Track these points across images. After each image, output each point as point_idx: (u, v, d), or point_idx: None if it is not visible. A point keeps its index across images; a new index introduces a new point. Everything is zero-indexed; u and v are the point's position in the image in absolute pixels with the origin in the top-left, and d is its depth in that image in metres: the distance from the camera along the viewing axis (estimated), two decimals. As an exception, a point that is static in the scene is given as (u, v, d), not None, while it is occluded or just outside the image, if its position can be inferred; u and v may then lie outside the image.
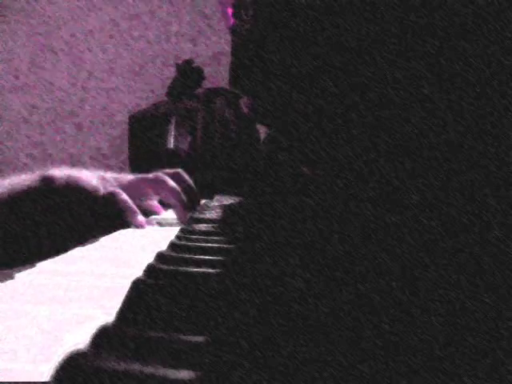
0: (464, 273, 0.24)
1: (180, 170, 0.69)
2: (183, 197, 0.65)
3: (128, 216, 0.60)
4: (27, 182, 0.59)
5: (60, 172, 0.61)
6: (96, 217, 0.61)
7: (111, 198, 0.61)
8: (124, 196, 0.61)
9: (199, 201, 0.72)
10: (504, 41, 0.22)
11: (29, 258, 0.61)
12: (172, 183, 0.65)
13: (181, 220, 0.64)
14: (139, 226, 0.60)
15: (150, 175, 0.66)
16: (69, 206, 0.60)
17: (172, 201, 0.65)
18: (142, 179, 0.66)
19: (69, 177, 0.61)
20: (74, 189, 0.60)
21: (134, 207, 0.61)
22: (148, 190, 0.65)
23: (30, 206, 0.58)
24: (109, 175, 0.65)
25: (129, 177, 0.67)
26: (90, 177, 0.63)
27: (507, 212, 0.23)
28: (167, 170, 0.68)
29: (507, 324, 0.20)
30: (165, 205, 0.70)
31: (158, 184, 0.65)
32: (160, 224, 0.63)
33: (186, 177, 0.69)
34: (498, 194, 0.23)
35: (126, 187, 0.64)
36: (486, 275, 0.23)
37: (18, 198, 0.58)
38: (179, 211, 0.65)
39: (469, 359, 0.18)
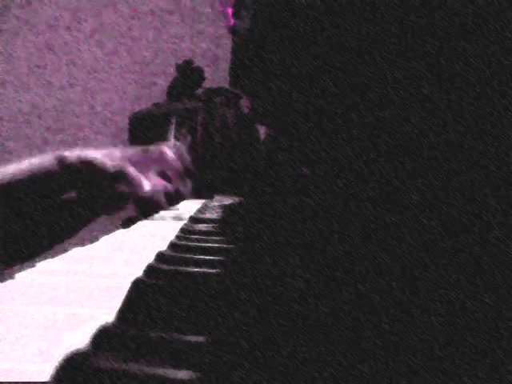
0: (464, 273, 0.24)
1: (179, 146, 0.74)
2: (183, 171, 0.70)
3: (136, 189, 0.64)
4: (40, 163, 0.61)
5: (71, 152, 0.64)
6: (105, 194, 0.64)
7: (120, 173, 0.64)
8: (132, 171, 0.65)
9: (195, 173, 0.77)
10: (504, 41, 0.22)
11: (39, 243, 0.63)
12: (173, 156, 0.70)
13: (187, 194, 0.71)
14: (146, 191, 0.64)
15: (155, 152, 0.70)
16: (82, 184, 0.63)
17: (174, 172, 0.70)
18: (148, 158, 0.70)
19: (79, 155, 0.64)
20: (85, 167, 0.64)
21: (143, 179, 0.65)
22: (151, 162, 0.70)
23: (48, 185, 0.61)
24: (116, 152, 0.69)
25: (132, 150, 0.70)
26: (100, 155, 0.66)
27: (507, 212, 0.23)
28: (168, 145, 0.73)
29: (507, 324, 0.20)
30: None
31: (162, 157, 0.70)
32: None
33: (185, 154, 0.74)
34: (497, 194, 0.23)
35: (131, 160, 0.67)
36: (486, 275, 0.23)
37: (36, 179, 0.60)
38: (184, 185, 0.71)
39: (469, 359, 0.18)
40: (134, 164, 0.66)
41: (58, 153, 0.64)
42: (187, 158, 0.73)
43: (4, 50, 2.47)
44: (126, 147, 0.73)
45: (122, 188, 0.64)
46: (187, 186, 0.71)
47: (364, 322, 0.21)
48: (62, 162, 0.63)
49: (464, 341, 0.19)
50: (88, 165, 0.63)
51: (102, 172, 0.64)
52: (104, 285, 0.29)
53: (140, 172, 0.66)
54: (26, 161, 0.63)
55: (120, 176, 0.64)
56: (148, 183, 0.65)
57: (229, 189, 1.33)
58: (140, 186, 0.64)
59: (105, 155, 0.66)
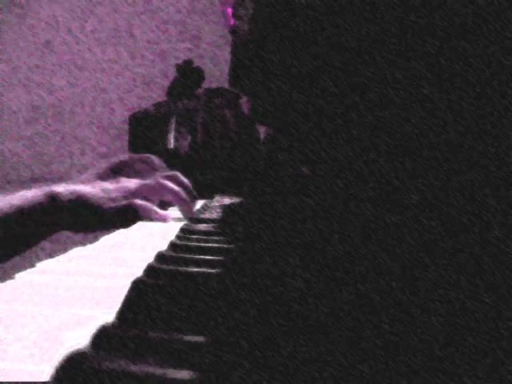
0: (464, 273, 0.24)
1: (176, 173, 0.72)
2: (185, 196, 0.68)
3: (152, 216, 0.63)
4: (32, 199, 0.60)
5: (63, 188, 0.62)
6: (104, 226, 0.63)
7: (130, 208, 0.63)
8: (141, 202, 0.64)
9: (196, 199, 0.75)
10: (504, 41, 0.22)
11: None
12: (173, 186, 0.68)
13: (187, 215, 0.67)
14: (164, 219, 0.64)
15: (151, 182, 0.68)
16: (74, 222, 0.62)
17: (176, 202, 0.68)
18: (146, 187, 0.68)
19: (73, 192, 0.62)
20: (79, 204, 0.62)
21: (153, 207, 0.64)
22: (153, 196, 0.68)
23: (35, 223, 0.59)
24: (108, 184, 0.67)
25: (130, 183, 0.68)
26: (94, 190, 0.64)
27: (507, 212, 0.23)
28: (165, 173, 0.71)
29: (507, 324, 0.20)
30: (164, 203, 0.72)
31: (161, 190, 0.68)
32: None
33: (184, 179, 0.72)
34: (497, 194, 0.23)
35: (133, 194, 0.66)
36: (486, 275, 0.23)
37: (23, 215, 0.58)
38: (184, 209, 0.68)
39: (469, 359, 0.18)
40: (135, 195, 0.65)
41: (50, 189, 0.61)
42: (188, 185, 0.73)
43: (4, 50, 2.47)
44: (119, 178, 0.70)
45: (131, 216, 0.63)
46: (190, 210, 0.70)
47: (364, 322, 0.21)
48: (53, 199, 0.60)
49: (464, 341, 0.19)
50: (81, 203, 0.61)
51: (98, 209, 0.62)
52: (104, 285, 0.29)
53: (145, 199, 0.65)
54: (18, 194, 0.61)
55: (130, 210, 0.63)
56: (159, 211, 0.65)
57: (229, 189, 1.33)
58: (151, 212, 0.63)
59: (100, 190, 0.64)
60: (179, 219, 0.65)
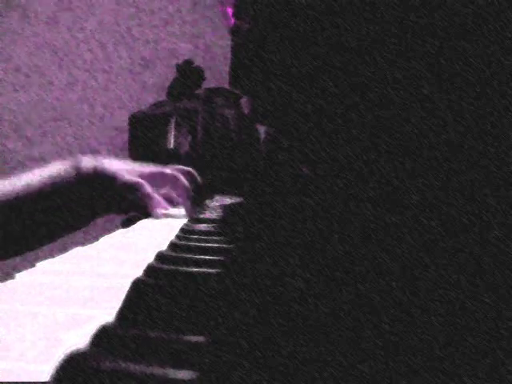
0: (464, 273, 0.24)
1: (192, 170, 0.74)
2: (192, 195, 0.70)
3: (151, 206, 0.65)
4: (59, 174, 0.63)
5: (87, 161, 0.65)
6: (115, 203, 0.65)
7: (135, 187, 0.65)
8: (147, 188, 0.66)
9: (205, 199, 0.77)
10: (504, 41, 0.22)
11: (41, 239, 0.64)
12: (185, 182, 0.70)
13: (188, 215, 0.68)
14: (159, 216, 0.65)
15: (168, 170, 0.72)
16: (95, 194, 0.64)
17: (183, 197, 0.71)
18: (162, 174, 0.71)
19: (96, 166, 0.65)
20: (101, 177, 0.65)
21: (158, 198, 0.66)
22: (165, 183, 0.71)
23: (62, 196, 0.62)
24: (131, 165, 0.70)
25: (149, 168, 0.71)
26: (116, 165, 0.67)
27: (507, 212, 0.23)
28: (182, 167, 0.74)
29: (507, 324, 0.20)
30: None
31: (175, 181, 0.71)
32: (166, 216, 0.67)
33: (198, 177, 0.74)
34: (497, 194, 0.23)
35: (147, 178, 0.68)
36: (486, 275, 0.23)
37: (51, 189, 0.61)
38: (188, 208, 0.70)
39: (469, 359, 0.18)
40: (149, 180, 0.67)
41: (74, 162, 0.64)
42: (200, 183, 0.74)
43: (4, 50, 2.47)
44: (143, 164, 0.73)
45: (133, 199, 0.65)
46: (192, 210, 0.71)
47: (364, 322, 0.21)
48: (78, 172, 0.63)
49: (464, 341, 0.19)
50: (104, 176, 0.64)
51: (117, 184, 0.64)
52: (104, 285, 0.29)
53: (152, 187, 0.67)
54: (40, 169, 0.64)
55: (135, 189, 0.65)
56: (161, 202, 0.66)
57: (229, 189, 1.33)
58: (153, 202, 0.65)
59: (121, 167, 0.66)
60: (170, 216, 0.66)
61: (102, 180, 0.64)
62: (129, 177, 0.66)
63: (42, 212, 0.62)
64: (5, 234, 0.60)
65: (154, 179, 0.69)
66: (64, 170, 0.63)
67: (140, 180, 0.66)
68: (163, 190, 0.72)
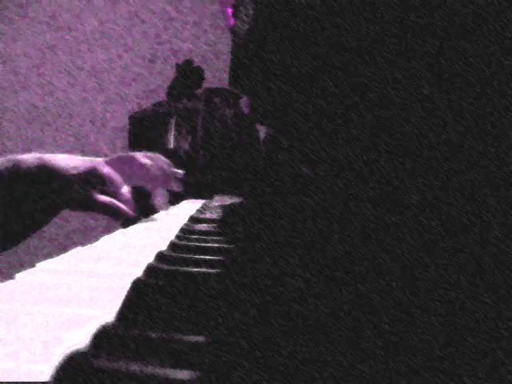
0: (464, 273, 0.24)
1: (159, 155, 0.72)
2: (155, 172, 0.68)
3: (113, 187, 0.62)
4: None
5: (30, 155, 0.62)
6: (71, 197, 0.62)
7: (94, 171, 0.62)
8: (107, 168, 0.63)
9: (172, 177, 0.74)
10: (504, 41, 0.22)
11: None
12: (143, 160, 0.67)
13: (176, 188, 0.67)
14: (123, 199, 0.62)
15: (124, 154, 0.69)
16: (40, 189, 0.61)
17: (144, 179, 0.68)
18: (115, 159, 0.68)
19: (37, 158, 0.62)
20: (43, 170, 0.61)
21: (119, 178, 0.63)
22: (123, 166, 0.68)
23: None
24: (78, 157, 0.67)
25: (103, 158, 0.69)
26: (58, 158, 0.64)
27: (507, 212, 0.23)
28: (147, 154, 0.71)
29: (507, 324, 0.20)
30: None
31: (131, 163, 0.68)
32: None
33: (165, 162, 0.72)
34: (497, 194, 0.23)
35: (114, 164, 0.66)
36: (486, 275, 0.23)
37: None
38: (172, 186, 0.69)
39: (469, 359, 0.18)
40: (117, 167, 0.65)
41: (14, 157, 0.61)
42: (166, 164, 0.72)
43: (4, 50, 2.47)
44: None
45: (95, 186, 0.62)
46: (160, 199, 0.69)
47: (364, 322, 0.21)
48: (17, 166, 0.60)
49: (464, 341, 0.19)
50: (46, 169, 0.61)
51: (67, 176, 0.61)
52: (104, 285, 0.29)
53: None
54: None
55: (93, 176, 0.62)
56: (123, 184, 0.64)
57: (229, 189, 1.33)
58: (116, 182, 0.62)
59: (67, 159, 0.63)
60: (178, 218, 0.65)
61: (48, 174, 0.61)
62: (82, 166, 0.63)
63: None
64: None
65: (122, 164, 0.67)
66: (0, 163, 0.60)
67: (93, 164, 0.63)
68: (138, 183, 0.70)
